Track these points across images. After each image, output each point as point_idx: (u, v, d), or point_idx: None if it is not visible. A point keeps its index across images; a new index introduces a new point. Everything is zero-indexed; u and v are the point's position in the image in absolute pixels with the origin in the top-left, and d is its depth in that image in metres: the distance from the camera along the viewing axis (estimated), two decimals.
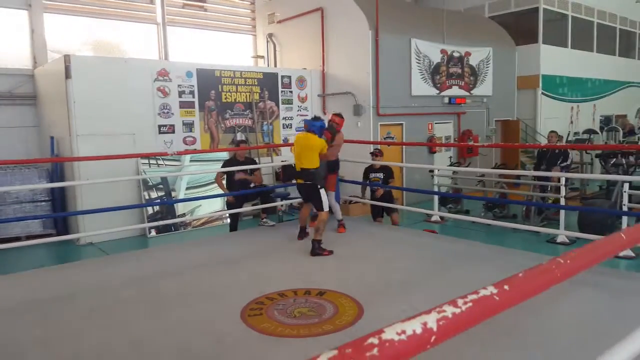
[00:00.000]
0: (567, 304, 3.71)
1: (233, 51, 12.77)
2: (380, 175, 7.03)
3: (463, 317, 0.97)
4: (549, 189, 8.19)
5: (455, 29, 12.00)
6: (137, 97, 8.70)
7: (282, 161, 9.93)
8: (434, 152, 11.51)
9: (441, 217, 8.62)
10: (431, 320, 0.90)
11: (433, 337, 0.89)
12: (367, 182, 7.12)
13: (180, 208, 9.14)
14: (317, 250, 5.27)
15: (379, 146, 7.91)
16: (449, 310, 0.95)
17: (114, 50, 11.07)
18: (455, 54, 11.84)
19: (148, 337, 3.41)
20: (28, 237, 7.81)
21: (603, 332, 3.10)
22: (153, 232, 8.67)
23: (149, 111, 8.90)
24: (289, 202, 9.18)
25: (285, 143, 10.36)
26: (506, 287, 1.10)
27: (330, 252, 5.30)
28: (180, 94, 9.32)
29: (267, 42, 12.48)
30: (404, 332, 0.83)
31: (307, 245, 5.75)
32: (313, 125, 5.49)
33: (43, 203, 8.49)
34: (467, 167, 10.06)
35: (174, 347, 3.25)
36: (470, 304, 0.99)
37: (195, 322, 3.65)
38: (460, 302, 0.99)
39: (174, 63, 9.77)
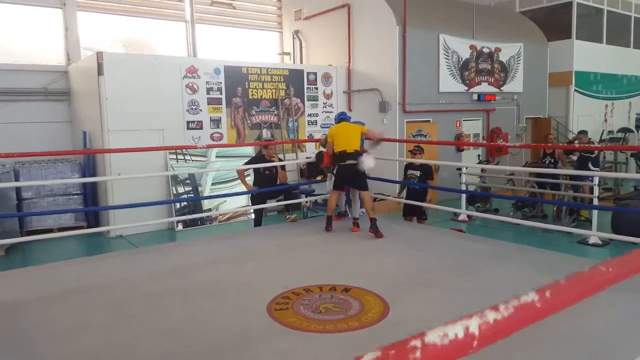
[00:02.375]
0: (606, 309, 3.59)
1: (259, 48, 12.84)
2: (417, 173, 6.90)
3: (504, 322, 0.96)
4: (580, 189, 7.96)
5: (485, 24, 11.76)
6: (166, 93, 8.85)
7: (307, 158, 9.94)
8: (462, 150, 11.33)
9: (469, 216, 8.49)
10: (473, 324, 0.89)
11: (475, 342, 0.89)
12: (403, 179, 7.03)
13: (206, 203, 9.27)
14: (376, 227, 5.69)
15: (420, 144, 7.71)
16: (491, 316, 0.94)
17: (144, 47, 11.28)
18: (485, 50, 11.61)
19: (177, 328, 3.47)
20: (60, 229, 8.06)
21: None
22: (180, 226, 8.83)
23: (178, 107, 9.04)
24: (313, 198, 9.20)
25: (311, 139, 10.38)
26: (547, 293, 1.08)
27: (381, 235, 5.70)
28: (208, 90, 9.43)
29: (294, 38, 12.50)
30: (446, 335, 0.84)
31: (332, 241, 5.75)
32: (346, 116, 6.33)
33: (75, 196, 8.75)
34: (496, 165, 9.85)
35: (203, 338, 3.30)
36: (511, 310, 0.99)
37: (222, 314, 3.71)
38: (501, 307, 0.98)
39: (203, 60, 9.90)
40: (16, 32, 9.52)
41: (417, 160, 6.94)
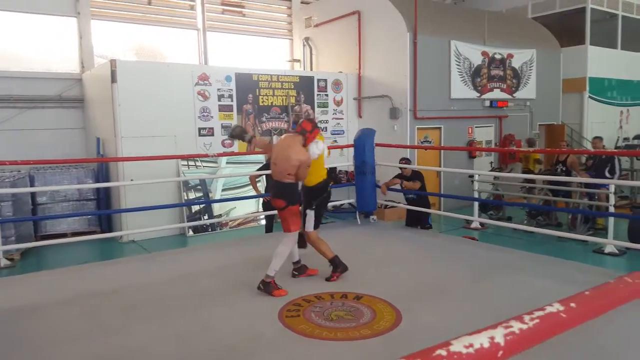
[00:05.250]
0: (629, 319, 3.51)
1: (270, 55, 12.92)
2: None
3: (530, 333, 0.95)
4: (596, 197, 7.84)
5: (497, 30, 11.71)
6: (178, 100, 8.92)
7: None
8: (474, 157, 11.24)
9: (481, 224, 8.40)
10: (498, 334, 0.88)
11: (500, 352, 0.87)
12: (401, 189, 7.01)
13: (216, 209, 9.30)
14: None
15: (407, 156, 7.66)
16: (516, 326, 0.93)
17: (156, 55, 11.41)
18: (497, 56, 11.55)
19: (188, 332, 3.47)
20: (74, 234, 8.14)
21: None
22: (191, 232, 8.86)
23: (190, 114, 9.11)
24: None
25: None
26: (573, 304, 1.08)
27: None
28: (220, 97, 9.50)
29: (304, 45, 12.56)
30: (471, 345, 0.83)
31: (342, 248, 5.71)
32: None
33: (89, 201, 8.84)
34: (509, 172, 9.75)
35: (215, 344, 3.30)
36: (537, 320, 0.98)
37: (233, 320, 3.70)
38: (526, 317, 0.97)
39: (214, 67, 9.98)
40: (32, 41, 9.69)
41: (408, 166, 6.93)
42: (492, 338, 0.87)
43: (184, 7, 11.67)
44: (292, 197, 4.35)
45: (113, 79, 8.24)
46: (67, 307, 4.01)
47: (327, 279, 4.52)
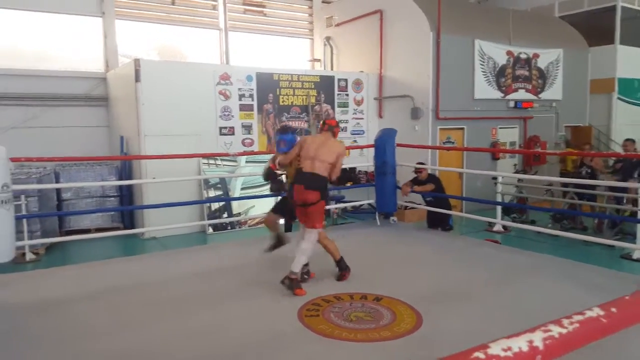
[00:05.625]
0: None
1: (290, 55, 12.94)
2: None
3: (569, 337, 0.91)
4: (624, 201, 7.60)
5: (522, 29, 11.48)
6: (200, 100, 9.00)
7: None
8: (498, 159, 11.04)
9: (504, 227, 8.23)
10: (537, 338, 0.84)
11: (539, 357, 0.84)
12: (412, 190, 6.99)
13: (235, 208, 9.35)
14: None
15: (422, 164, 7.51)
16: (555, 330, 0.89)
17: (178, 54, 11.54)
18: (522, 56, 11.32)
19: (208, 329, 3.48)
20: (97, 230, 8.29)
21: None
22: (211, 230, 8.93)
23: (211, 113, 9.18)
24: (343, 205, 9.15)
25: None
26: (613, 309, 1.03)
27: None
28: (241, 97, 9.54)
29: (325, 45, 12.54)
30: (509, 348, 0.80)
31: (362, 248, 5.66)
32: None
33: (112, 198, 8.99)
34: (533, 175, 9.54)
35: (234, 341, 3.30)
36: (576, 325, 0.93)
37: (252, 318, 3.70)
38: (565, 322, 0.92)
39: (235, 67, 10.03)
40: (59, 40, 9.90)
41: (421, 166, 6.90)
42: (530, 342, 0.83)
43: (207, 7, 11.77)
44: (325, 192, 4.40)
45: (137, 78, 8.35)
46: (90, 302, 4.07)
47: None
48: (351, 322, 3.60)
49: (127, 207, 9.01)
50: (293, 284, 4.11)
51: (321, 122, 4.83)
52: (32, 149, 8.25)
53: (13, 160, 4.81)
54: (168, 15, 11.21)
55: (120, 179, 8.98)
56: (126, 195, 9.04)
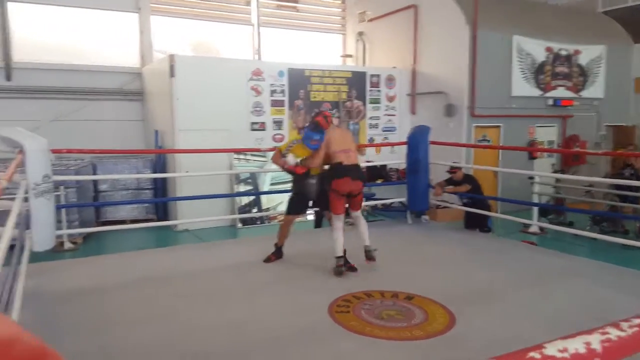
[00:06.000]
0: None
1: (322, 50, 12.90)
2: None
3: (629, 341, 0.85)
4: None
5: (563, 25, 11.08)
6: (232, 95, 9.09)
7: (367, 161, 9.82)
8: (535, 158, 10.71)
9: (541, 228, 7.98)
10: (595, 340, 0.80)
11: (597, 359, 0.77)
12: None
13: (264, 203, 9.42)
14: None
15: (457, 164, 7.34)
16: (613, 333, 0.84)
17: (211, 50, 11.68)
18: (563, 52, 10.93)
19: (239, 322, 3.52)
20: (132, 221, 8.50)
21: None
22: (240, 224, 9.02)
23: (243, 109, 9.26)
24: (373, 202, 9.07)
25: (371, 143, 10.26)
26: None
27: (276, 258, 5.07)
28: (272, 92, 9.59)
29: (357, 40, 12.44)
30: (566, 349, 0.76)
31: (393, 246, 5.59)
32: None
33: (147, 190, 9.21)
34: (572, 175, 9.20)
35: (265, 334, 3.32)
36: (636, 329, 0.88)
37: (283, 312, 3.71)
38: (624, 325, 0.87)
39: (267, 63, 10.08)
40: (96, 36, 10.16)
41: (455, 165, 6.81)
42: (587, 344, 0.79)
43: (240, 2, 11.87)
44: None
45: (172, 74, 8.50)
46: (125, 291, 4.17)
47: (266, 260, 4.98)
48: (382, 320, 3.56)
49: (160, 199, 9.21)
50: (373, 254, 4.65)
51: (322, 116, 4.83)
52: (70, 141, 8.52)
53: (54, 152, 4.97)
54: (202, 11, 11.37)
55: (155, 171, 9.18)
56: (160, 188, 9.24)
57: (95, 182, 8.69)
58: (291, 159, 4.81)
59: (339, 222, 4.69)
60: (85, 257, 5.69)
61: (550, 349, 0.74)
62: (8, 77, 9.13)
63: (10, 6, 9.16)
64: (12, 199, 3.64)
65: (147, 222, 8.36)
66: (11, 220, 2.85)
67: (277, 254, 5.09)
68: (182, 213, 8.40)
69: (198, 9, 11.32)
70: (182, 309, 3.78)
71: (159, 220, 8.88)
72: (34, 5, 9.38)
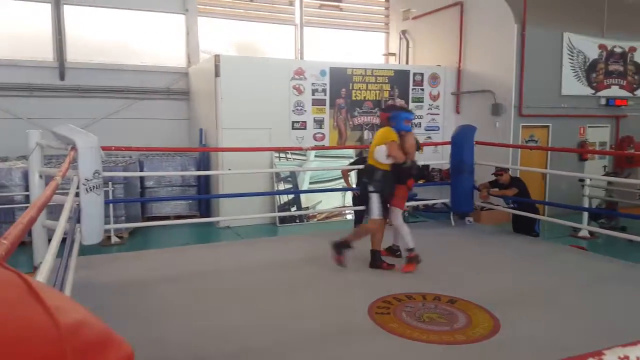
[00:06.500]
0: None
1: (365, 49, 12.82)
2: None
3: None
4: None
5: (618, 20, 10.50)
6: (274, 94, 9.19)
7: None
8: (585, 160, 10.22)
9: (591, 233, 7.61)
10: None
11: None
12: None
13: (303, 202, 9.47)
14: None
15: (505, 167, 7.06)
16: None
17: (255, 50, 11.85)
18: (617, 50, 10.37)
19: (279, 319, 3.54)
20: (176, 217, 8.76)
21: None
22: (279, 222, 9.11)
23: (285, 108, 9.34)
24: (415, 203, 8.92)
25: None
26: None
27: (391, 266, 4.72)
28: (314, 92, 9.62)
29: (400, 39, 12.28)
30: (626, 357, 0.73)
31: (434, 248, 5.47)
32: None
33: (191, 188, 9.46)
34: (626, 178, 8.71)
35: (305, 332, 3.33)
36: None
37: (323, 311, 3.71)
38: None
39: (309, 62, 10.12)
40: (144, 36, 10.52)
41: (501, 165, 6.59)
42: None
43: (284, 3, 11.98)
44: None
45: (217, 73, 8.68)
46: (169, 284, 4.29)
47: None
48: (423, 323, 3.48)
49: (204, 195, 9.44)
50: (415, 260, 4.67)
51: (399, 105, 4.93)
52: (118, 138, 8.84)
53: (104, 149, 5.18)
54: (247, 12, 11.55)
55: (199, 169, 9.41)
56: (203, 185, 9.47)
57: (141, 179, 8.99)
58: (384, 150, 4.54)
59: (401, 217, 4.91)
60: (131, 251, 5.91)
61: (610, 356, 0.71)
62: (62, 77, 9.60)
63: (66, 9, 9.63)
64: (65, 194, 3.80)
65: (190, 218, 8.59)
66: (64, 214, 2.97)
67: (379, 259, 4.76)
68: (224, 210, 8.57)
69: (242, 10, 11.51)
70: (224, 303, 3.85)
71: (201, 216, 9.10)
72: (86, 7, 9.81)
